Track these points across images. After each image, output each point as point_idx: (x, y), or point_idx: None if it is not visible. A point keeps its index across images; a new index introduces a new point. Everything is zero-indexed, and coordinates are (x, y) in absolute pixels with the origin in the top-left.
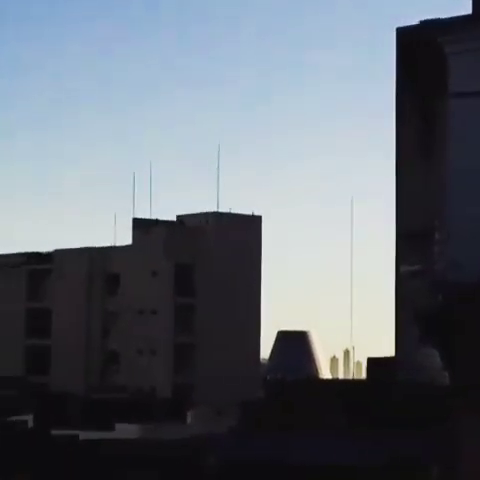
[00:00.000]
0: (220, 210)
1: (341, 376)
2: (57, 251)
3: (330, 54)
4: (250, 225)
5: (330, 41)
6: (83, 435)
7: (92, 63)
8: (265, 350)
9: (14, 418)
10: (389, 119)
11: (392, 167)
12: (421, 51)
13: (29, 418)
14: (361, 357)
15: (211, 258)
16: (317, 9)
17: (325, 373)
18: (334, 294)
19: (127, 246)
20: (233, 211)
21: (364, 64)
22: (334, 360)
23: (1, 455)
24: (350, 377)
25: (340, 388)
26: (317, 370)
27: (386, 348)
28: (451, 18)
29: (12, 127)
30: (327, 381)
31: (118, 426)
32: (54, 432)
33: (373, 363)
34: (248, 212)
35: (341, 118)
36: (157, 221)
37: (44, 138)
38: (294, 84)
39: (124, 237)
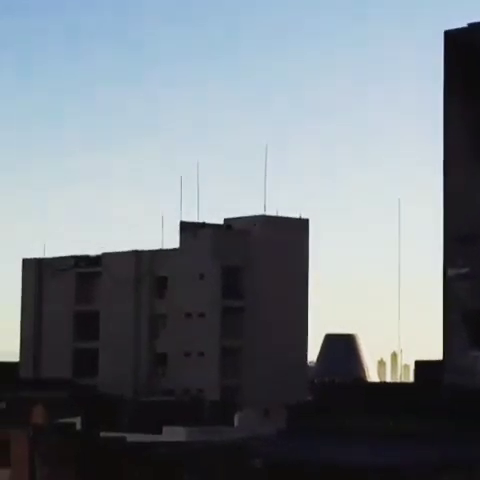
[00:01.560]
0: (267, 213)
1: (389, 379)
2: (105, 254)
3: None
4: (297, 228)
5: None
6: (131, 438)
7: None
8: (312, 353)
9: (63, 420)
10: (438, 121)
11: (440, 169)
12: (470, 53)
13: (77, 420)
14: (409, 360)
15: (258, 261)
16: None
17: (372, 376)
18: (382, 297)
19: (175, 249)
20: (280, 214)
21: (410, 66)
22: (381, 363)
23: (52, 457)
24: (398, 380)
25: (388, 391)
26: (364, 373)
27: (434, 351)
28: None
29: (65, 134)
30: (375, 384)
31: (166, 429)
32: (102, 434)
33: (421, 366)
34: (295, 215)
35: (388, 120)
36: (204, 224)
37: (94, 142)
38: (341, 90)
39: (172, 240)
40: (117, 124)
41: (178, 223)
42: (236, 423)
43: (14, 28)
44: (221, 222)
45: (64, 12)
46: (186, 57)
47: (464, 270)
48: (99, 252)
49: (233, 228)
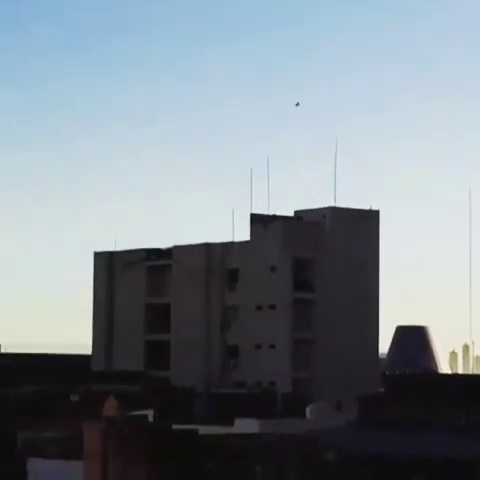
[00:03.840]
0: (337, 205)
1: (460, 371)
2: (176, 247)
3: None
4: (368, 219)
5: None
6: (203, 430)
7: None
8: (384, 345)
9: (135, 413)
10: None
11: None
12: None
13: (150, 413)
14: None
15: (329, 253)
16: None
17: (444, 368)
18: (453, 288)
19: (245, 241)
20: (350, 206)
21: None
22: (453, 355)
23: (124, 449)
24: (470, 372)
25: (459, 383)
26: (436, 365)
27: None
28: None
29: (146, 131)
30: (446, 376)
31: (238, 421)
32: (174, 427)
33: None
34: (365, 206)
35: (455, 108)
36: (275, 216)
37: (164, 136)
38: (407, 86)
39: (242, 233)
40: (185, 117)
41: (249, 215)
42: (308, 415)
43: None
44: (291, 214)
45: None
46: (253, 52)
47: None
48: (170, 245)
49: (303, 220)
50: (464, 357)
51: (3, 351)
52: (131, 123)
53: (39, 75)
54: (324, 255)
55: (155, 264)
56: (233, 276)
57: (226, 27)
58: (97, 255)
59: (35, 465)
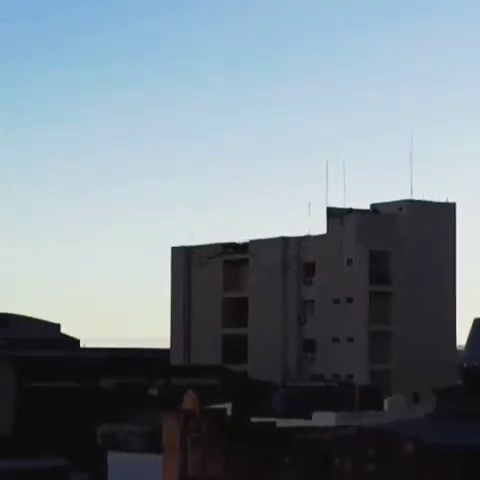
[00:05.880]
0: (414, 198)
1: None
2: (253, 241)
3: None
4: (444, 212)
5: None
6: (281, 423)
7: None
8: (461, 337)
9: (214, 406)
10: None
11: None
12: None
13: (228, 406)
14: None
15: (405, 245)
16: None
17: None
18: None
19: (322, 235)
20: (427, 198)
21: None
22: None
23: (203, 443)
24: None
25: None
26: None
27: None
28: None
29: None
30: None
31: (316, 414)
32: (252, 420)
33: None
34: (442, 199)
35: None
36: (351, 210)
37: (238, 129)
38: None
39: (318, 226)
40: (260, 111)
41: (325, 209)
42: (386, 408)
43: None
44: (368, 207)
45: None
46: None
47: None
48: (246, 239)
49: (380, 213)
50: None
51: (82, 346)
52: (207, 119)
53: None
54: (400, 248)
55: (232, 258)
56: (310, 270)
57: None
58: (174, 250)
59: (115, 459)
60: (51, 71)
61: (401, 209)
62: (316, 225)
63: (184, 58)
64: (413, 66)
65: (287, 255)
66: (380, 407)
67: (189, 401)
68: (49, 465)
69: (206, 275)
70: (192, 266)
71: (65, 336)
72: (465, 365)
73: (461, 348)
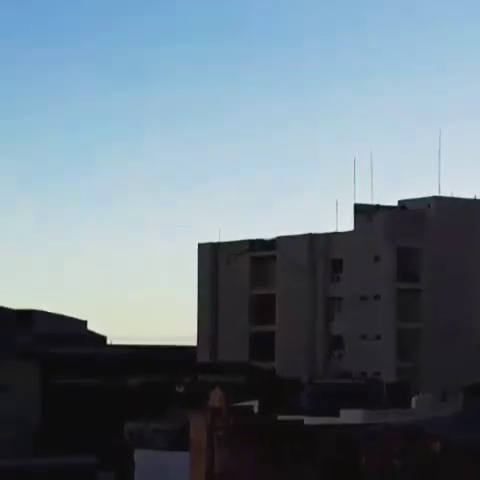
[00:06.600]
0: (442, 194)
1: None
2: (280, 238)
3: None
4: (472, 209)
5: None
6: (308, 420)
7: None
8: None
9: (241, 404)
10: None
11: None
12: None
13: (255, 404)
14: None
15: (434, 242)
16: None
17: None
18: None
19: (349, 232)
20: (455, 195)
21: None
22: None
23: (230, 440)
24: None
25: None
26: None
27: None
28: None
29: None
30: None
31: (343, 411)
32: (280, 417)
33: None
34: (470, 196)
35: None
36: (378, 206)
37: (267, 129)
38: None
39: (346, 223)
40: (282, 106)
41: (352, 206)
42: (413, 405)
43: None
44: (395, 204)
45: None
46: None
47: None
48: (274, 236)
49: (407, 209)
50: None
51: (109, 343)
52: (237, 115)
53: None
54: (429, 244)
55: (259, 255)
56: (337, 266)
57: None
58: (201, 246)
59: (141, 456)
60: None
61: (429, 206)
62: (343, 222)
63: None
64: (442, 63)
65: (314, 252)
66: (407, 405)
67: (216, 398)
68: (78, 462)
69: (233, 272)
70: (219, 263)
71: (92, 333)
72: None
73: None
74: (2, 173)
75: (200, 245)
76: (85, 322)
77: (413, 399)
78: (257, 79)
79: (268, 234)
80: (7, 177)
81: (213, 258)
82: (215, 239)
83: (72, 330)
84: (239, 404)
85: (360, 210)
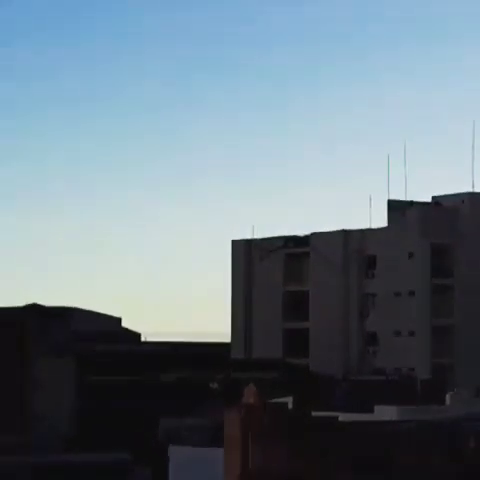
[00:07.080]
0: (475, 190)
1: None
2: (314, 234)
3: None
4: None
5: None
6: (343, 417)
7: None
8: None
9: (275, 400)
10: None
11: None
12: None
13: (289, 400)
14: None
15: (468, 238)
16: None
17: None
18: None
19: (383, 228)
20: None
21: None
22: None
23: (264, 437)
24: None
25: None
26: None
27: None
28: None
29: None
30: None
31: (377, 408)
32: (314, 414)
33: None
34: None
35: None
36: (412, 203)
37: (289, 126)
38: None
39: (380, 219)
40: (316, 103)
41: (386, 202)
42: (447, 402)
43: None
44: (429, 200)
45: None
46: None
47: None
48: (307, 232)
49: (442, 206)
50: None
51: (143, 340)
52: (269, 111)
53: None
54: (463, 241)
55: (293, 252)
56: (371, 263)
57: None
58: (235, 243)
59: (176, 452)
60: None
61: (463, 202)
62: (377, 218)
63: None
64: (475, 55)
65: (348, 248)
66: (442, 401)
67: (250, 395)
68: (113, 459)
69: (267, 268)
70: (253, 259)
71: (126, 330)
72: None
73: None
74: (51, 174)
75: (234, 242)
76: (120, 319)
77: (447, 395)
78: (296, 75)
79: (302, 230)
80: (57, 177)
81: (247, 255)
82: (249, 236)
83: (107, 327)
84: (273, 400)
85: (394, 206)
